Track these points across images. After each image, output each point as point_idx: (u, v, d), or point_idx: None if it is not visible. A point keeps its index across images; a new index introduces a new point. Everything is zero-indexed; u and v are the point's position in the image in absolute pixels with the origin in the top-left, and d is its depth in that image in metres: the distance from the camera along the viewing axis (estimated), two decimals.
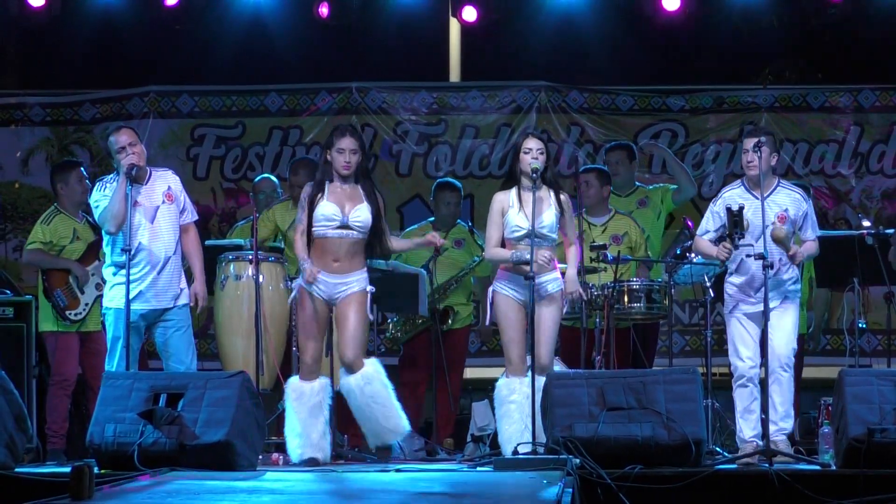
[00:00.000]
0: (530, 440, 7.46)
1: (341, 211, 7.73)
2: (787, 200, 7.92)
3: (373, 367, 7.80)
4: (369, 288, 7.85)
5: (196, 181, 11.19)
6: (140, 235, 7.90)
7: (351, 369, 7.76)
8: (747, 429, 7.81)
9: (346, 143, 7.77)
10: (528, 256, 7.66)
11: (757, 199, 7.79)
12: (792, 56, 12.23)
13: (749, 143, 7.88)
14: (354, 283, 7.77)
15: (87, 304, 8.85)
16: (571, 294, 7.93)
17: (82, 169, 9.14)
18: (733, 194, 7.98)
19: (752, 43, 11.64)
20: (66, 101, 11.61)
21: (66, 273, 8.92)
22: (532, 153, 7.82)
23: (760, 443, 7.67)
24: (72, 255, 8.97)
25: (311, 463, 7.66)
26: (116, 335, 7.93)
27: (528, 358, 7.79)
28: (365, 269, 7.86)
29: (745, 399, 7.83)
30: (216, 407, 7.13)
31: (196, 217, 8.31)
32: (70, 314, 8.87)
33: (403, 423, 7.87)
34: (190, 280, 8.40)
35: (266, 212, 9.56)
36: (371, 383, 7.75)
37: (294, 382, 7.83)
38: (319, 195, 7.76)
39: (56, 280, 8.92)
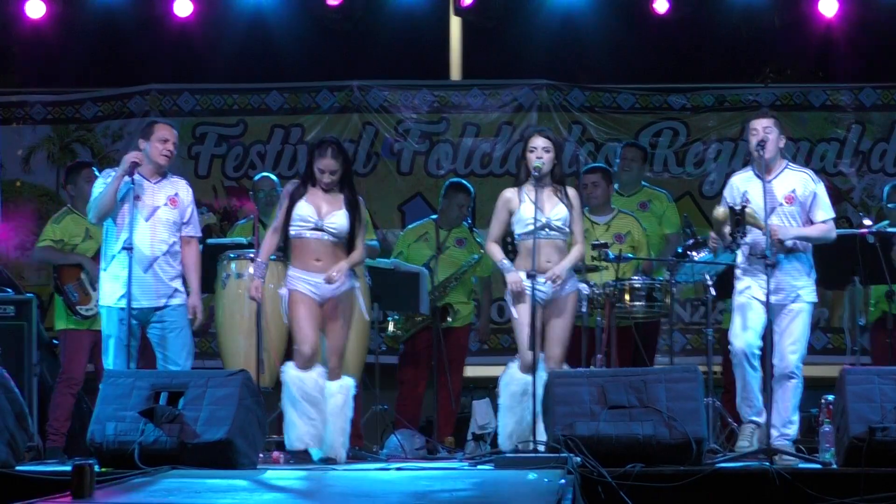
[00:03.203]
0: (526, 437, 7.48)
1: (317, 213, 7.76)
2: (795, 181, 7.84)
3: (351, 384, 7.88)
4: (356, 283, 7.90)
5: (197, 179, 11.20)
6: (131, 232, 7.88)
7: (331, 375, 7.83)
8: (746, 407, 7.78)
9: (325, 164, 7.80)
10: (511, 271, 7.75)
11: (764, 181, 7.72)
12: (793, 54, 12.21)
13: (757, 123, 7.78)
14: (343, 281, 7.79)
15: (98, 301, 8.84)
16: (551, 276, 7.75)
17: (94, 169, 9.14)
18: (741, 179, 7.93)
19: (752, 41, 11.62)
20: (68, 99, 11.63)
21: (77, 269, 8.95)
22: (537, 151, 7.83)
23: (760, 420, 7.67)
24: (84, 254, 8.99)
25: (302, 456, 7.68)
26: (108, 333, 7.95)
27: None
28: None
29: (740, 378, 7.78)
30: (217, 405, 7.13)
31: (199, 233, 8.28)
32: (81, 309, 8.89)
33: (342, 451, 7.81)
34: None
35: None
36: (346, 394, 7.82)
37: (291, 372, 7.79)
38: (300, 196, 7.80)
39: (67, 276, 8.95)
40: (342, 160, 7.85)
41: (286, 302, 7.82)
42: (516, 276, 7.77)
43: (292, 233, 7.80)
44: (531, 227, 7.78)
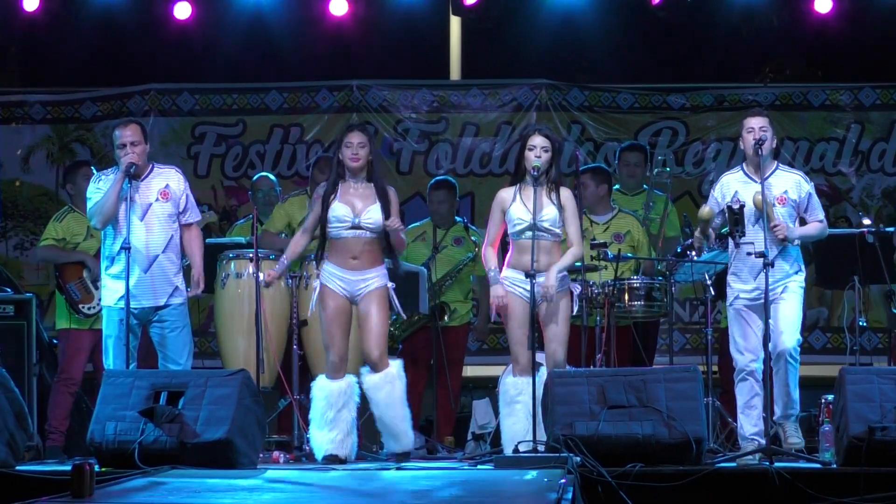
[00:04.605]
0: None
1: (352, 211, 7.80)
2: (788, 183, 7.83)
3: (396, 369, 7.89)
4: (390, 284, 7.90)
5: (197, 179, 11.19)
6: (129, 232, 7.88)
7: (375, 368, 7.84)
8: (748, 425, 7.74)
9: (354, 137, 7.89)
10: (496, 284, 7.74)
11: (756, 182, 7.71)
12: (792, 54, 12.21)
13: (753, 121, 7.79)
14: (374, 280, 7.84)
15: (100, 300, 8.83)
16: (544, 293, 7.69)
17: (93, 168, 9.13)
18: (732, 179, 7.92)
19: (752, 41, 11.63)
20: (67, 98, 11.62)
21: (79, 268, 8.95)
22: (536, 150, 7.83)
23: (762, 441, 7.62)
24: (86, 252, 8.98)
25: (331, 460, 7.72)
26: (108, 333, 7.95)
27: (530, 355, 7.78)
28: (384, 265, 7.91)
29: (745, 394, 7.76)
30: (217, 405, 7.14)
31: (199, 217, 8.29)
32: (84, 308, 8.89)
33: (410, 436, 7.91)
34: (188, 277, 8.46)
35: (280, 204, 9.56)
36: (393, 384, 7.84)
37: (321, 381, 7.88)
38: (332, 196, 7.83)
39: (69, 275, 8.95)
40: (369, 138, 7.95)
41: (316, 295, 7.88)
42: (500, 291, 7.77)
43: (330, 233, 7.85)
44: (520, 227, 7.79)
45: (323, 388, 7.85)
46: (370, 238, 7.83)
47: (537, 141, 7.85)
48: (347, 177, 7.90)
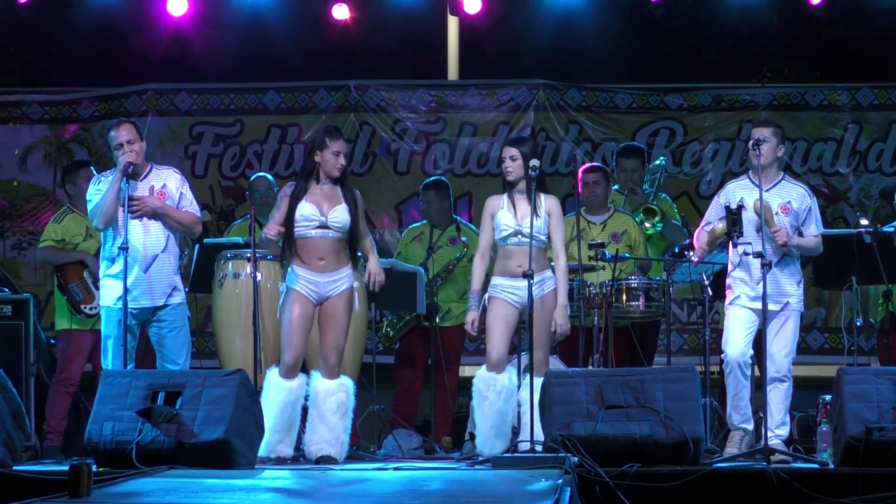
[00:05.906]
0: (501, 440, 7.61)
1: (319, 211, 7.76)
2: (792, 193, 7.97)
3: (349, 382, 7.87)
4: (355, 284, 7.89)
5: (194, 179, 11.17)
6: (128, 232, 7.87)
7: (330, 374, 7.79)
8: (736, 415, 7.87)
9: (340, 145, 7.85)
10: (472, 310, 7.92)
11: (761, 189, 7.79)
12: (790, 54, 12.21)
13: (757, 132, 7.88)
14: (344, 280, 7.81)
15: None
16: (557, 328, 7.85)
17: (92, 168, 9.13)
18: (737, 186, 8.02)
19: (750, 41, 11.63)
20: (65, 98, 11.63)
21: (80, 268, 8.94)
22: (506, 161, 7.93)
23: (748, 427, 7.77)
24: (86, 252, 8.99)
25: (280, 461, 7.65)
26: (107, 334, 7.94)
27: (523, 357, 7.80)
28: (350, 265, 7.87)
29: (732, 387, 7.87)
30: (214, 405, 7.13)
31: (198, 211, 8.27)
32: (85, 308, 8.88)
33: (345, 447, 7.82)
34: (186, 276, 8.45)
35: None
36: (347, 393, 7.80)
37: (278, 381, 7.77)
38: (300, 196, 7.79)
39: (70, 275, 8.94)
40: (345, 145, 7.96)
41: (283, 298, 7.82)
42: (472, 317, 7.93)
43: (297, 234, 7.77)
44: (506, 233, 7.88)
45: (281, 389, 7.72)
46: (336, 238, 7.78)
47: (506, 152, 7.98)
48: (320, 178, 7.85)
